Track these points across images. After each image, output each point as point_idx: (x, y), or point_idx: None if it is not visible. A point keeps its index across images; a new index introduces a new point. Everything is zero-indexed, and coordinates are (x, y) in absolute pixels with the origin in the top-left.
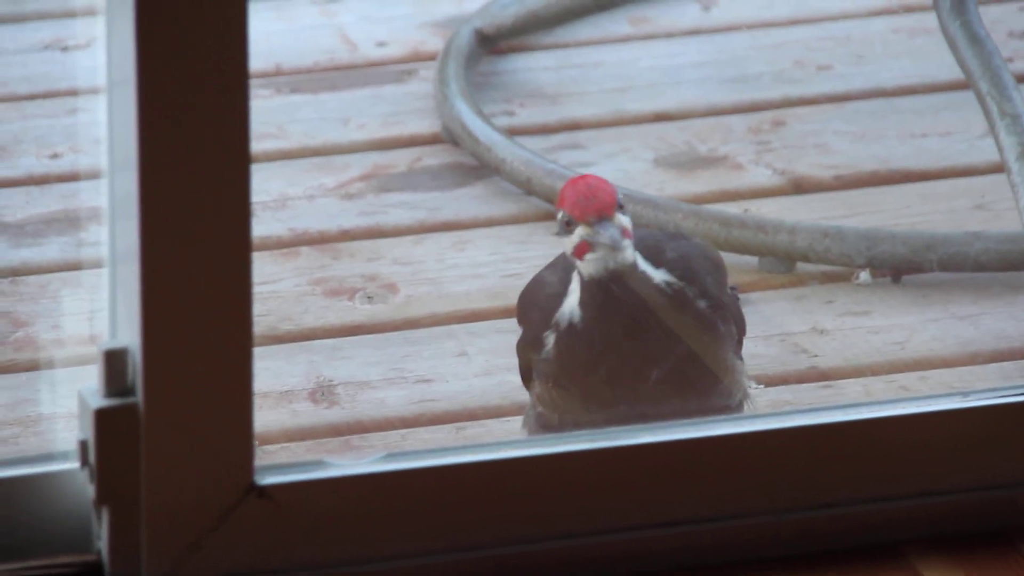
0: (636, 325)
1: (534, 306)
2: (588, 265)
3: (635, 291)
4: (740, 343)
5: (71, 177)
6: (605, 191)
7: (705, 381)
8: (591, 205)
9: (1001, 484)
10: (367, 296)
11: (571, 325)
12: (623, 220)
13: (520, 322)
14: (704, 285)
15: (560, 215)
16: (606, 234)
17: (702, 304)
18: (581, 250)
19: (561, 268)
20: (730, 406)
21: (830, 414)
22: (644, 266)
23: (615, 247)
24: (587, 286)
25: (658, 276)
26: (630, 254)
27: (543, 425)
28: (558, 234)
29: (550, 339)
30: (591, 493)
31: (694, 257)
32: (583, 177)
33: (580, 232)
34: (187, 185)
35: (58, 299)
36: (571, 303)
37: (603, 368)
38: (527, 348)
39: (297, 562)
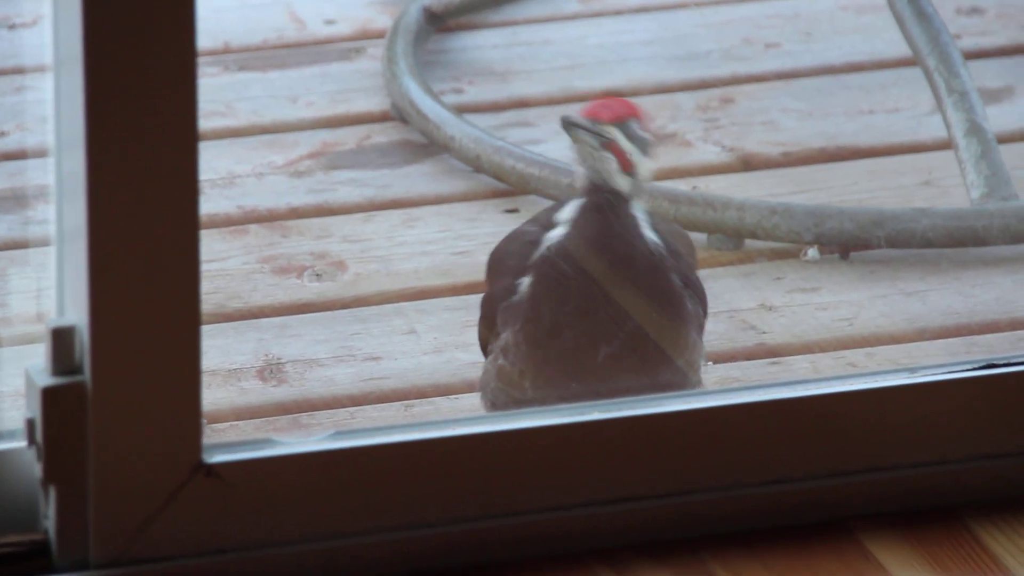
0: (587, 302)
1: (511, 255)
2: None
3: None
4: (703, 326)
5: (18, 155)
6: (615, 105)
7: (657, 357)
8: (592, 108)
9: (949, 460)
10: (316, 274)
11: (550, 255)
12: (615, 134)
13: (489, 276)
14: (679, 262)
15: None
16: (587, 122)
17: (676, 279)
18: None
19: (542, 222)
20: (687, 384)
21: (778, 391)
22: (639, 213)
23: (585, 129)
24: (579, 214)
25: (649, 234)
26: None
27: (504, 382)
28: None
29: (524, 283)
30: (541, 470)
31: (674, 235)
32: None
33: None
34: (134, 163)
35: (5, 277)
36: (556, 234)
37: (575, 303)
38: (493, 304)
39: (246, 540)
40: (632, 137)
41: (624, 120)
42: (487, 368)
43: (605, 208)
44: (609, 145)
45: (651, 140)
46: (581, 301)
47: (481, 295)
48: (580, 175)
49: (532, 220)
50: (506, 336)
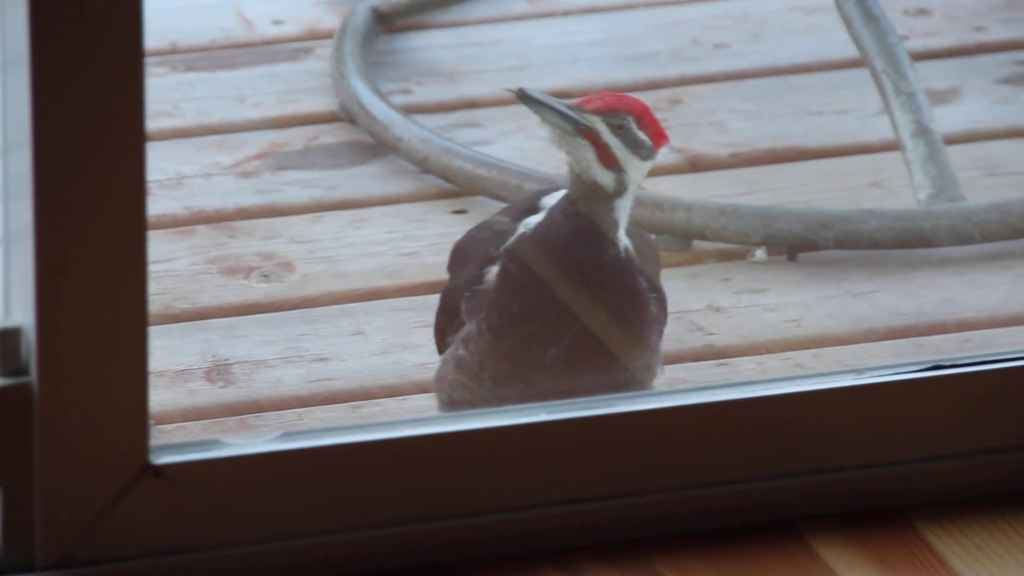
0: (540, 301)
1: (478, 244)
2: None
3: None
4: (662, 332)
5: None
6: (609, 97)
7: (606, 360)
8: (586, 97)
9: (895, 461)
10: (263, 275)
11: (518, 247)
12: (597, 124)
13: (452, 266)
14: (646, 267)
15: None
16: (551, 99)
17: (642, 282)
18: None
19: (516, 212)
20: (638, 387)
21: (725, 392)
22: (620, 215)
23: (549, 108)
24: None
25: (622, 237)
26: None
27: (463, 373)
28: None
29: (492, 271)
30: (490, 471)
31: (643, 241)
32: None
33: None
34: (81, 164)
35: None
36: (532, 222)
37: (533, 300)
38: (457, 293)
39: (194, 542)
40: (622, 132)
41: (612, 112)
42: (445, 361)
43: (579, 204)
44: (586, 133)
45: (644, 140)
46: (540, 297)
47: (428, 296)
48: (566, 161)
49: (506, 210)
50: (469, 326)
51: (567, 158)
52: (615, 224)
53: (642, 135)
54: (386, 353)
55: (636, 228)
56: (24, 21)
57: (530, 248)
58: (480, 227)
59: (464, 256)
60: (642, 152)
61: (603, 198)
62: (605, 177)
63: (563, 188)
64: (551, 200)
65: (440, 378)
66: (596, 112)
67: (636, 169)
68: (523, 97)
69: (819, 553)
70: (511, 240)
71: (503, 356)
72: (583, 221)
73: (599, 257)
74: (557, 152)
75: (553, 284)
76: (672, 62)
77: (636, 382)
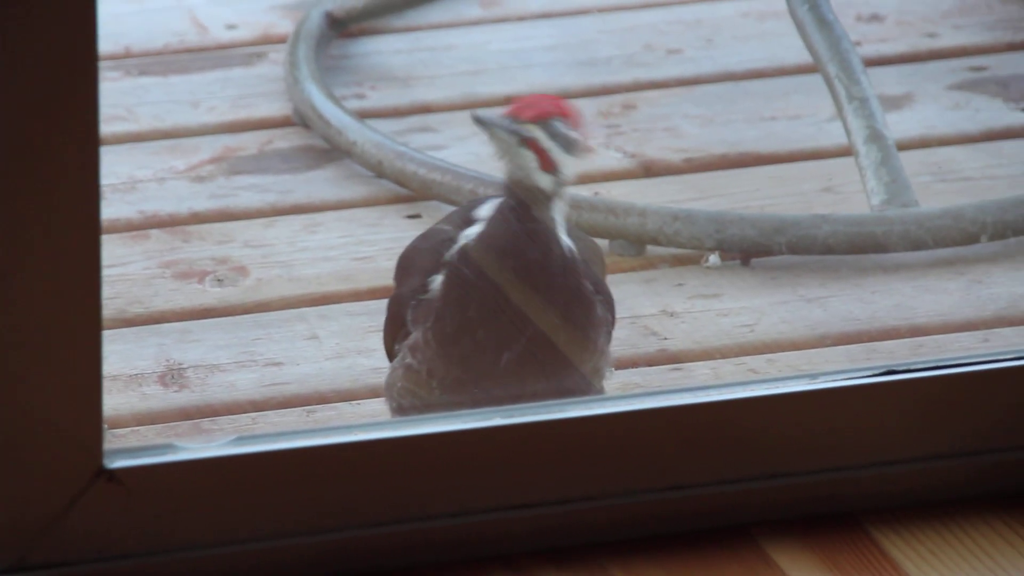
0: (492, 305)
1: (422, 253)
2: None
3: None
4: (611, 333)
5: None
6: (541, 102)
7: (559, 363)
8: (517, 105)
9: (848, 466)
10: (217, 279)
11: (463, 254)
12: (535, 132)
13: (398, 276)
14: (590, 269)
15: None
16: (501, 119)
17: (587, 284)
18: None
19: (457, 221)
20: (589, 390)
21: (679, 396)
22: (558, 215)
23: (502, 128)
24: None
25: (564, 238)
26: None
27: (411, 382)
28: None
29: (436, 280)
30: (443, 476)
31: (586, 244)
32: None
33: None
34: (35, 167)
35: None
36: (471, 232)
37: (483, 305)
38: (402, 303)
39: (148, 546)
40: (555, 135)
41: (547, 118)
42: (394, 368)
43: (522, 208)
44: (529, 142)
45: (577, 139)
46: (488, 304)
47: (383, 301)
48: (503, 171)
49: (447, 219)
50: (416, 335)
51: (507, 168)
52: (552, 226)
53: (573, 134)
54: (340, 357)
55: (578, 231)
56: None
57: (477, 254)
58: (424, 236)
59: (409, 266)
60: (575, 150)
61: (542, 201)
62: (545, 180)
63: (493, 198)
64: (485, 210)
65: (389, 385)
66: (533, 121)
67: (570, 167)
68: (477, 120)
69: (773, 558)
70: (453, 249)
71: (450, 363)
72: (529, 223)
73: (546, 258)
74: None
75: (502, 288)
76: (625, 67)
77: (587, 385)
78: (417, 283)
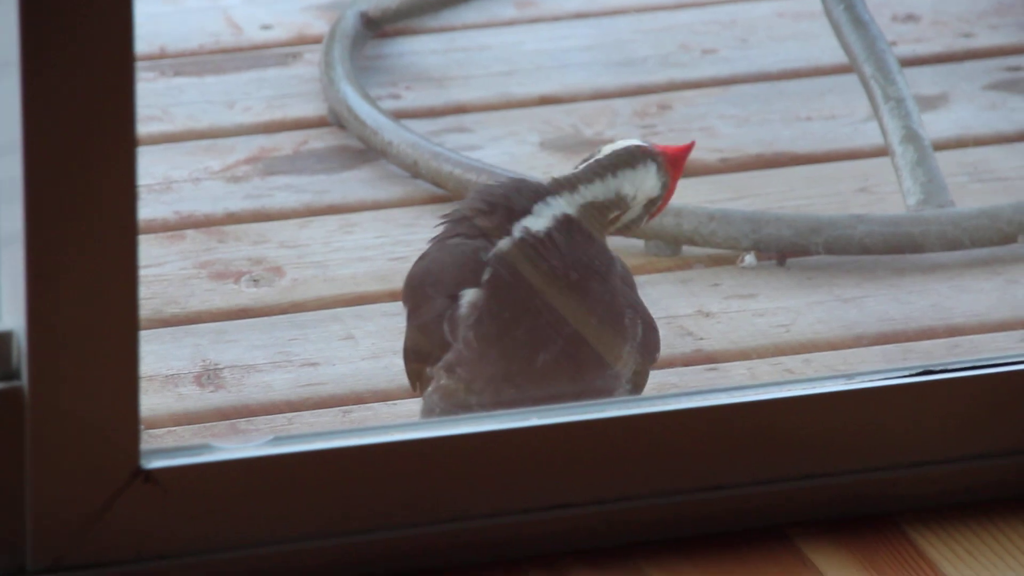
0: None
1: (449, 267)
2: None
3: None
4: (649, 353)
5: None
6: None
7: (593, 362)
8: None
9: (885, 466)
10: (253, 279)
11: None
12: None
13: (416, 297)
14: (622, 280)
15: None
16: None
17: (621, 297)
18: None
19: (495, 220)
20: (618, 392)
21: (715, 397)
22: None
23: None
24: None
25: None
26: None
27: (450, 402)
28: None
29: (468, 295)
30: (479, 476)
31: (620, 263)
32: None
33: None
34: (72, 168)
35: None
36: (534, 225)
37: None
38: (430, 330)
39: (185, 547)
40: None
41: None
42: (429, 395)
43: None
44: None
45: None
46: (529, 305)
47: None
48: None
49: (454, 231)
50: (453, 350)
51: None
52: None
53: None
54: (376, 358)
55: (615, 254)
56: (15, 24)
57: (529, 254)
58: (440, 252)
59: (432, 283)
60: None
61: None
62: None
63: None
64: (548, 208)
65: (428, 412)
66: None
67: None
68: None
69: (809, 558)
70: (504, 243)
71: (489, 376)
72: (585, 233)
73: (606, 273)
74: (548, 157)
75: (531, 296)
76: (660, 67)
77: (615, 384)
78: (442, 304)
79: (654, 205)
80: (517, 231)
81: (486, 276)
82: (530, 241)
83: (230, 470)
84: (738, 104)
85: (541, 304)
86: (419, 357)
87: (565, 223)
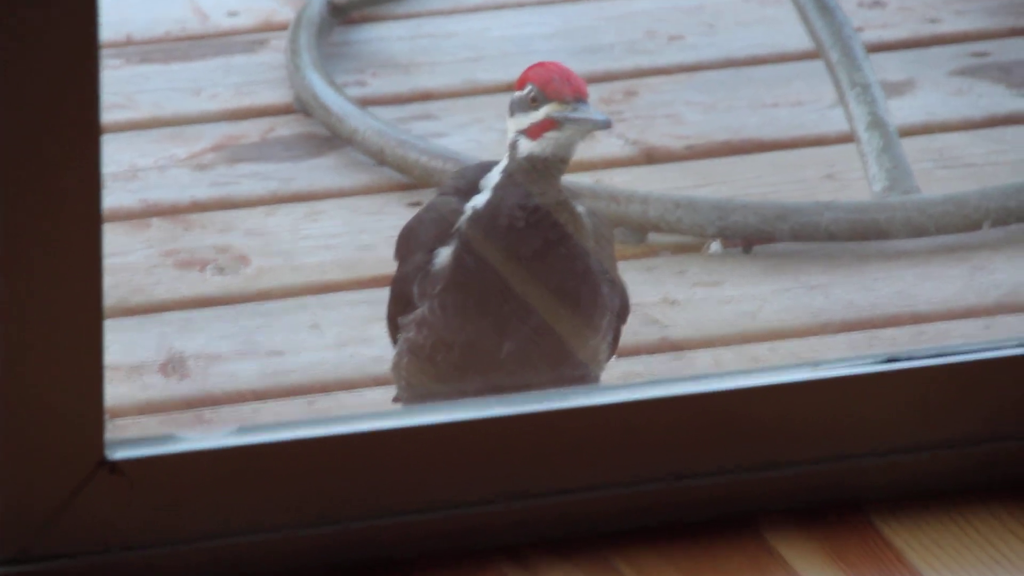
0: (495, 294)
1: (424, 228)
2: (540, 144)
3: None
4: (619, 319)
5: None
6: (578, 76)
7: (560, 353)
8: (570, 84)
9: (851, 454)
10: (218, 268)
11: (475, 217)
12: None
13: (400, 253)
14: (601, 250)
15: (528, 90)
16: (588, 109)
17: (595, 262)
18: (542, 127)
19: (463, 188)
20: (588, 377)
21: (681, 386)
22: (564, 193)
23: (600, 125)
24: (502, 183)
25: (579, 206)
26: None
27: (417, 355)
28: (513, 113)
29: (442, 253)
30: (445, 466)
31: (599, 221)
32: (550, 62)
33: (550, 109)
34: (36, 156)
35: None
36: (480, 200)
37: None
38: (407, 282)
39: (151, 537)
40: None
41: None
42: (399, 346)
43: (529, 182)
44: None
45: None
46: (496, 274)
47: (384, 290)
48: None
49: (448, 188)
50: (422, 308)
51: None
52: (567, 199)
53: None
54: (342, 347)
55: (594, 211)
56: None
57: (484, 224)
58: (426, 209)
59: (412, 240)
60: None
61: (557, 176)
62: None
63: (497, 166)
64: (492, 179)
65: (396, 365)
66: (579, 98)
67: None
68: (576, 120)
69: (775, 547)
70: (463, 220)
71: (456, 333)
72: (530, 189)
73: (555, 233)
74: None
75: (509, 260)
76: (626, 54)
77: (588, 375)
78: (421, 259)
79: (569, 117)
80: (468, 210)
81: (449, 250)
82: (480, 219)
83: (195, 460)
84: (704, 91)
85: (509, 273)
86: (396, 307)
87: (505, 188)
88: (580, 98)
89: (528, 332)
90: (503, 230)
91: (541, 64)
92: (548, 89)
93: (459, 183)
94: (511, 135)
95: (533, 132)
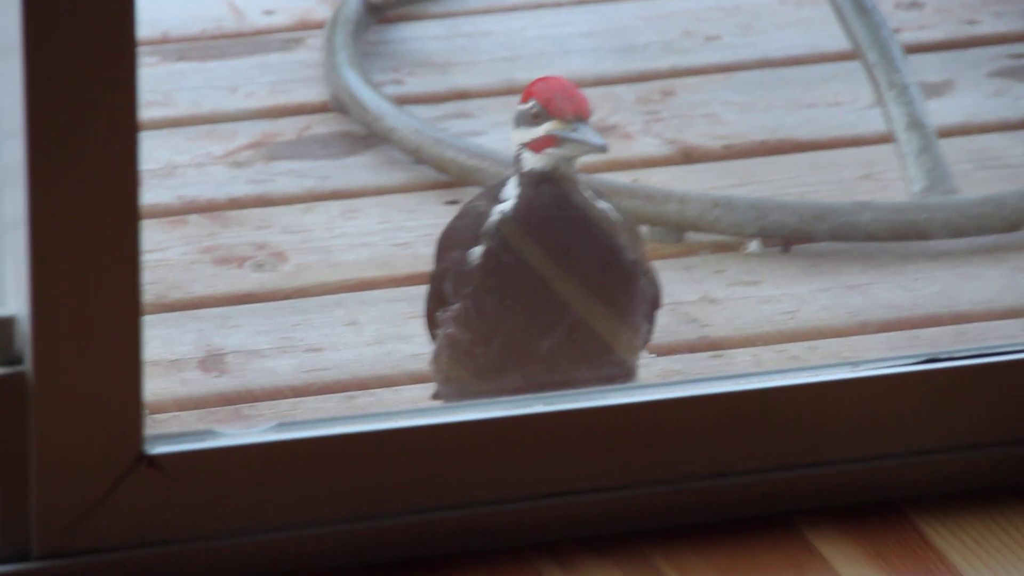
0: (530, 291)
1: (461, 230)
2: (542, 159)
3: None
4: (654, 310)
5: None
6: (581, 94)
7: (598, 348)
8: (571, 103)
9: (890, 454)
10: (256, 264)
11: (503, 223)
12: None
13: (439, 254)
14: (634, 245)
15: (531, 105)
16: (587, 132)
17: (627, 252)
18: (543, 143)
19: (489, 197)
20: (626, 372)
21: (720, 384)
22: (587, 193)
23: (596, 148)
24: (525, 185)
25: (602, 203)
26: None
27: (456, 350)
28: (518, 126)
29: (475, 252)
30: (484, 463)
31: (627, 225)
32: (554, 77)
33: (551, 126)
34: (75, 153)
35: None
36: (504, 207)
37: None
38: (443, 278)
39: (188, 532)
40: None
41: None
42: (439, 342)
43: (552, 182)
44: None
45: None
46: (525, 275)
47: (421, 287)
48: (526, 162)
49: (480, 195)
50: (457, 305)
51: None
52: (589, 196)
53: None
54: (379, 343)
55: (619, 214)
56: (17, 10)
57: (513, 224)
58: (460, 215)
59: (449, 244)
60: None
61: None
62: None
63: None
64: (510, 189)
65: (435, 359)
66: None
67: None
68: (573, 141)
69: (815, 546)
70: (489, 223)
71: (494, 327)
72: (562, 192)
73: (585, 223)
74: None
75: (538, 260)
76: (664, 54)
77: (625, 366)
78: (455, 258)
79: (568, 135)
80: (498, 213)
81: (479, 252)
82: (512, 218)
83: (234, 456)
84: (742, 91)
85: (538, 275)
86: (433, 303)
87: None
88: (581, 117)
89: (566, 327)
90: (537, 225)
91: (545, 79)
92: (550, 106)
93: (482, 198)
94: (516, 147)
95: (535, 147)
